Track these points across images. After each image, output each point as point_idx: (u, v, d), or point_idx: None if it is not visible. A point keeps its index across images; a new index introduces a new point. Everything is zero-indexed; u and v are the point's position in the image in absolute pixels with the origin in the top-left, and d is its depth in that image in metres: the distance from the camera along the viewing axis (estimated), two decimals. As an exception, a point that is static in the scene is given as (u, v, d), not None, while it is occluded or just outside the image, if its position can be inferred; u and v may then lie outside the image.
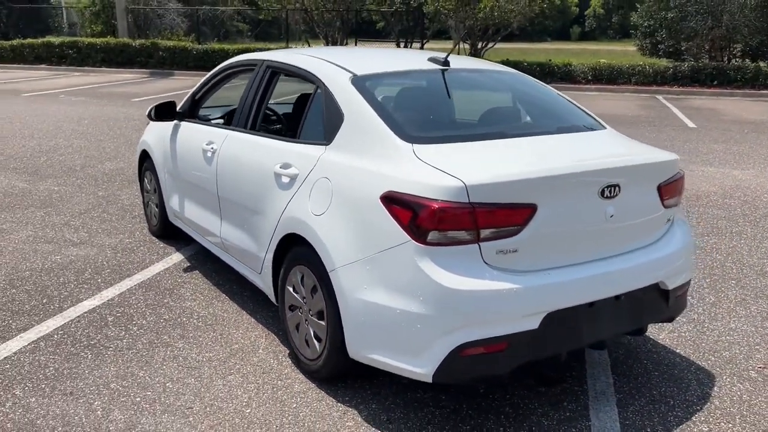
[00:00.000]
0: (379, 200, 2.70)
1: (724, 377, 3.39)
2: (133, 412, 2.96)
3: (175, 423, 2.89)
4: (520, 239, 2.63)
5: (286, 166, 3.35)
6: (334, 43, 20.94)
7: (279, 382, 3.25)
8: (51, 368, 3.33)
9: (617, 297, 2.89)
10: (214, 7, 22.39)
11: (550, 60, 19.21)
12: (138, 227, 5.70)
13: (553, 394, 3.20)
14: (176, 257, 4.99)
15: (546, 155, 2.93)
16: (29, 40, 22.22)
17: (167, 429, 2.85)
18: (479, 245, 2.58)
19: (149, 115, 4.67)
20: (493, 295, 2.56)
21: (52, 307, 4.05)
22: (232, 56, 19.37)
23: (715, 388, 3.28)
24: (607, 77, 18.66)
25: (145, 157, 5.35)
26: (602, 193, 2.78)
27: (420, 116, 3.25)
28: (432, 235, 2.55)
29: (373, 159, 2.88)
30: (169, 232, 5.24)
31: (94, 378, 3.25)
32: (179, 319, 3.92)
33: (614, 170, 2.83)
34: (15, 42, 22.45)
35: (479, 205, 2.53)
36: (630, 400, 3.16)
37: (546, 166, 2.73)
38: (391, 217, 2.65)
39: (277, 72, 3.86)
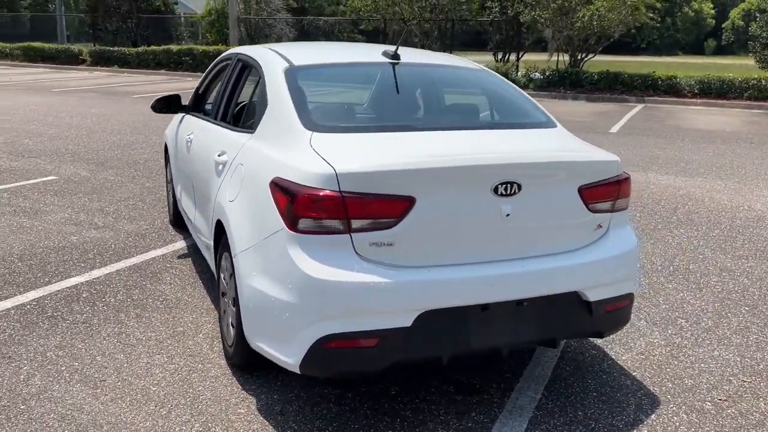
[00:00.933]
0: (268, 186, 2.70)
1: (671, 406, 3.06)
2: (51, 380, 3.12)
3: (82, 392, 3.02)
4: (395, 232, 2.52)
5: (221, 153, 3.42)
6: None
7: (199, 365, 3.30)
8: (6, 333, 3.58)
9: (519, 302, 2.69)
10: (317, 17, 23.20)
11: (653, 72, 18.16)
12: (161, 216, 6.00)
13: (467, 403, 3.02)
14: (179, 245, 5.20)
15: (442, 148, 2.78)
16: (152, 48, 24.03)
17: (72, 397, 2.98)
18: (351, 236, 2.50)
19: (152, 107, 4.92)
20: (361, 288, 2.47)
21: (41, 281, 4.36)
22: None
23: (653, 416, 2.97)
24: (716, 91, 17.38)
25: (166, 149, 5.64)
26: (496, 190, 2.60)
27: (335, 106, 3.21)
28: (302, 223, 2.51)
29: (277, 146, 2.88)
30: (181, 221, 5.47)
31: (36, 345, 3.46)
32: (145, 301, 4.08)
33: (509, 166, 2.64)
34: (140, 49, 24.37)
35: (350, 194, 2.46)
36: (546, 419, 2.92)
37: (427, 159, 2.59)
38: (274, 203, 2.63)
39: (243, 64, 3.95)
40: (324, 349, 2.49)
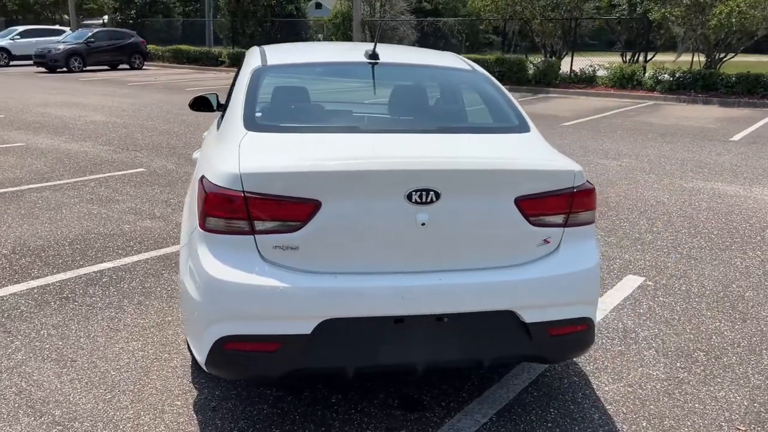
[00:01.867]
0: (197, 183, 2.73)
1: (632, 447, 2.72)
2: (31, 356, 3.37)
3: (50, 371, 3.23)
4: (300, 236, 2.45)
5: (197, 151, 3.51)
6: (553, 55, 20.21)
7: (165, 355, 3.41)
8: (18, 310, 3.92)
9: (439, 318, 2.52)
10: (437, 19, 23.13)
11: (802, 74, 16.24)
12: (215, 210, 6.26)
13: (403, 419, 2.88)
14: (216, 238, 5.41)
15: (364, 151, 2.65)
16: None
17: (39, 374, 3.19)
18: (255, 237, 2.46)
19: (189, 105, 5.15)
20: (261, 291, 2.42)
21: (74, 264, 4.71)
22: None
23: (603, 457, 2.66)
24: None
25: None
26: (410, 197, 2.44)
27: (285, 107, 3.16)
28: (209, 222, 2.51)
29: (220, 144, 2.90)
30: None
31: (36, 323, 3.75)
32: (153, 289, 4.29)
33: (425, 173, 2.46)
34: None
35: (253, 194, 2.42)
36: (478, 445, 2.72)
37: (334, 162, 2.48)
38: (197, 201, 2.66)
39: (242, 63, 4.02)
40: (223, 350, 2.48)
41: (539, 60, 19.53)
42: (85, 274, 4.52)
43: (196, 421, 2.84)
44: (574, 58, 19.45)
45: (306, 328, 2.43)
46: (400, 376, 3.17)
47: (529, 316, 2.59)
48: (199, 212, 2.56)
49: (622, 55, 20.39)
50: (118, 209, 6.20)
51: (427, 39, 23.67)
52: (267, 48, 3.73)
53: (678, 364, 3.45)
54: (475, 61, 19.95)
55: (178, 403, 2.98)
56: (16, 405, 2.93)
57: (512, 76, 19.12)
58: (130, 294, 4.19)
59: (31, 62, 25.89)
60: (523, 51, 22.29)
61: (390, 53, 3.57)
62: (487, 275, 2.57)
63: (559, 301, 2.65)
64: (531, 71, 19.13)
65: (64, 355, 3.39)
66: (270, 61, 3.38)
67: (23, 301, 4.04)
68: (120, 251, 5.01)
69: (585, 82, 18.75)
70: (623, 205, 6.68)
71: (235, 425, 2.81)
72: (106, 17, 36.36)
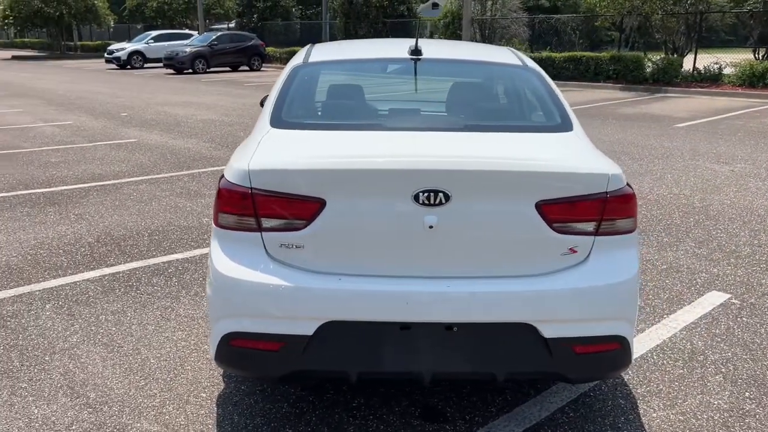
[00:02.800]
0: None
1: (667, 483, 2.44)
2: (84, 340, 3.56)
3: (97, 355, 3.39)
4: (305, 235, 2.39)
5: None
6: (675, 53, 18.91)
7: (205, 347, 3.48)
8: (86, 295, 4.15)
9: (449, 327, 2.38)
10: (548, 16, 22.22)
11: None
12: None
13: (423, 430, 2.75)
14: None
15: (376, 149, 2.54)
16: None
17: (88, 357, 3.36)
18: (262, 235, 2.44)
19: (260, 104, 5.24)
20: (265, 290, 2.39)
21: (147, 254, 4.94)
22: (559, 64, 19.20)
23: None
24: None
25: None
26: (417, 198, 2.32)
27: (316, 104, 3.10)
28: (221, 218, 2.51)
29: (248, 141, 2.90)
30: None
31: (98, 309, 3.95)
32: (212, 281, 4.41)
33: (433, 173, 2.31)
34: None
35: (260, 191, 2.40)
36: (494, 465, 2.54)
37: (339, 159, 2.40)
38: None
39: None
40: (229, 346, 2.48)
41: (658, 57, 18.36)
42: (154, 264, 4.72)
43: (215, 415, 2.87)
44: (699, 55, 18.11)
45: (308, 329, 2.37)
46: (429, 385, 3.04)
47: (549, 331, 2.39)
48: (214, 208, 2.57)
49: (754, 52, 18.76)
50: (203, 203, 6.46)
51: (539, 37, 22.96)
52: (317, 45, 3.72)
53: (747, 394, 3.07)
54: (586, 59, 19.04)
55: (204, 395, 3.02)
56: (58, 385, 3.10)
57: (628, 75, 18.13)
58: (189, 285, 4.33)
59: (162, 64, 27.80)
60: (642, 48, 21.06)
61: (436, 49, 3.45)
62: (503, 284, 2.39)
63: (587, 316, 2.42)
64: (649, 69, 18.04)
65: (114, 340, 3.55)
66: (312, 59, 3.36)
67: (92, 287, 4.28)
68: (192, 243, 5.20)
69: (709, 80, 17.42)
70: (725, 213, 6.11)
71: (251, 421, 2.81)
72: (233, 22, 38.28)
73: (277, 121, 2.83)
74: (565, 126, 2.85)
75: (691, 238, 5.40)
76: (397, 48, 3.46)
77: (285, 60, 30.12)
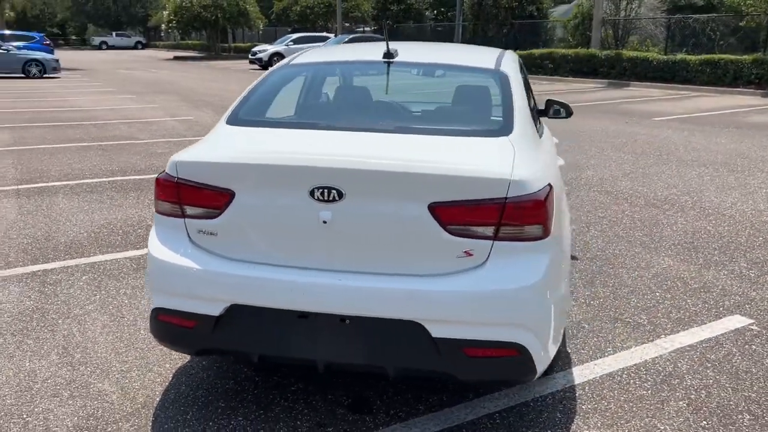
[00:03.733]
0: None
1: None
2: (99, 307, 4.00)
3: (100, 321, 3.80)
4: (218, 223, 2.59)
5: None
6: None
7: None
8: (119, 270, 4.64)
9: (342, 319, 2.47)
10: (686, 16, 20.56)
11: None
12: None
13: (341, 419, 2.86)
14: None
15: (287, 147, 2.70)
16: (517, 52, 24.99)
17: (92, 322, 3.78)
18: (185, 221, 2.67)
19: None
20: (182, 271, 2.62)
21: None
22: (694, 68, 17.94)
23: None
24: None
25: None
26: (312, 194, 2.43)
27: (276, 103, 3.26)
28: (157, 204, 2.77)
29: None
30: None
31: (122, 283, 4.41)
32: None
33: (327, 171, 2.42)
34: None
35: (183, 181, 2.63)
36: (389, 458, 2.59)
37: (245, 154, 2.56)
38: None
39: None
40: (157, 321, 2.73)
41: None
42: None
43: (166, 383, 3.15)
44: None
45: (216, 310, 2.57)
46: (379, 377, 3.11)
47: (438, 331, 2.41)
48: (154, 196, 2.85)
49: None
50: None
51: (674, 38, 21.54)
52: (309, 50, 3.91)
53: (703, 423, 2.86)
54: (724, 62, 17.57)
55: (167, 366, 3.32)
56: (56, 344, 3.54)
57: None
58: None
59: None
60: (792, 51, 19.09)
61: (413, 53, 3.51)
62: (394, 281, 2.45)
63: (479, 320, 2.42)
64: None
65: (120, 310, 3.96)
66: (295, 61, 3.55)
67: (129, 264, 4.77)
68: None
69: None
70: (800, 234, 5.54)
71: (194, 393, 3.06)
72: (367, 26, 39.46)
73: (233, 119, 3.05)
74: (503, 131, 2.82)
75: (747, 259, 4.97)
76: (380, 52, 3.56)
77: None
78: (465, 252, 2.44)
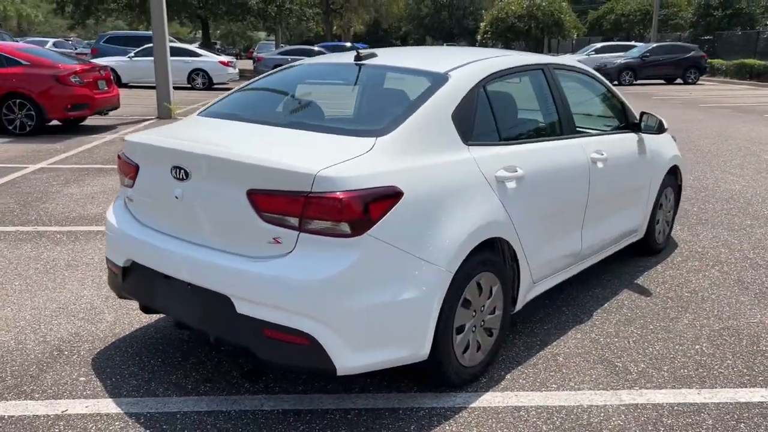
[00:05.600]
0: None
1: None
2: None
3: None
4: (132, 192, 3.13)
5: None
6: None
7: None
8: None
9: (188, 284, 2.82)
10: None
11: None
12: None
13: (227, 379, 3.17)
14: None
15: (190, 132, 3.13)
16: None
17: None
18: (123, 189, 3.27)
19: None
20: (111, 228, 3.22)
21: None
22: None
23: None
24: None
25: None
26: (171, 172, 2.81)
27: (241, 99, 3.59)
28: (119, 177, 3.42)
29: None
30: None
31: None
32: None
33: (178, 153, 2.80)
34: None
35: (122, 155, 3.23)
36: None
37: (144, 135, 3.01)
38: None
39: None
40: (108, 269, 3.39)
41: None
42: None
43: (111, 319, 3.79)
44: None
45: (122, 262, 3.13)
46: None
47: (242, 308, 2.62)
48: None
49: None
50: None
51: None
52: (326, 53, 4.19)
53: None
54: None
55: (115, 304, 3.99)
56: (55, 286, 4.46)
57: None
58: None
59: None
60: None
61: (391, 56, 3.58)
62: (219, 257, 2.71)
63: (276, 304, 2.55)
64: None
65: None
66: (296, 63, 3.91)
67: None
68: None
69: None
70: None
71: (131, 346, 3.54)
72: (681, 34, 35.99)
73: (202, 111, 3.56)
74: (380, 132, 2.82)
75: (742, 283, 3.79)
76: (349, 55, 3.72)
77: (732, 73, 27.15)
78: (274, 239, 2.59)
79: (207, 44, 33.40)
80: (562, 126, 3.79)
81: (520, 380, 3.22)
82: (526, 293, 3.52)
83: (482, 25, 47.66)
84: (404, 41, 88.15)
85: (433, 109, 2.99)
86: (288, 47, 30.24)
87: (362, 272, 2.54)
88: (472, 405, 2.99)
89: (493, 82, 3.39)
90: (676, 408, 2.99)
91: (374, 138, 2.79)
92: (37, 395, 3.01)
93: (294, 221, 2.54)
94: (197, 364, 3.34)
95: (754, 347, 3.60)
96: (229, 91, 3.73)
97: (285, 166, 2.56)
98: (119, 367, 3.29)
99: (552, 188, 3.50)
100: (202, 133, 3.14)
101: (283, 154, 2.68)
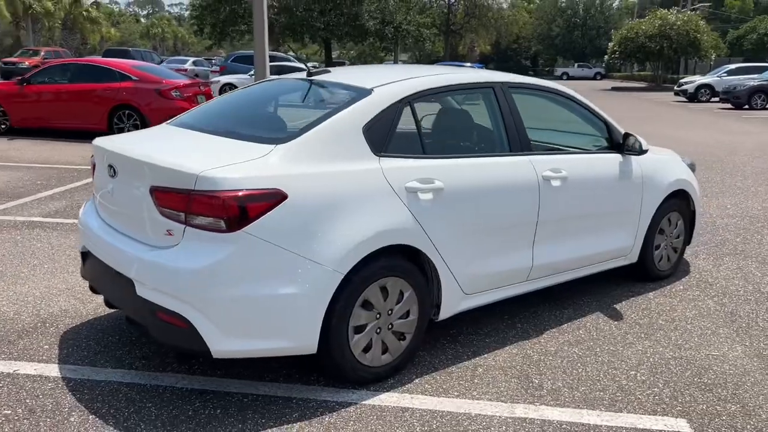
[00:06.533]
0: None
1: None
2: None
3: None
4: (94, 187, 3.60)
5: None
6: None
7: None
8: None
9: (113, 269, 3.21)
10: None
11: None
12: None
13: (163, 359, 3.53)
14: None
15: (162, 143, 3.49)
16: None
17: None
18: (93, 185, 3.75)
19: None
20: (80, 218, 3.68)
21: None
22: None
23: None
24: None
25: None
26: (107, 170, 3.23)
27: (204, 109, 3.94)
28: (95, 177, 3.90)
29: None
30: None
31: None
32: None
33: (108, 152, 3.24)
34: None
35: (93, 159, 3.72)
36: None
37: (102, 140, 3.45)
38: None
39: None
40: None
41: None
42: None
43: (100, 300, 4.21)
44: None
45: (80, 249, 3.60)
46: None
47: (141, 291, 2.97)
48: None
49: None
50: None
51: None
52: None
53: None
54: None
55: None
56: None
57: None
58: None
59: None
60: None
61: (341, 74, 3.83)
62: (129, 245, 3.10)
63: (162, 289, 2.88)
64: None
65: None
66: (265, 79, 4.27)
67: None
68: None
69: None
70: None
71: (101, 324, 3.99)
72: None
73: (171, 121, 3.96)
74: (283, 139, 3.08)
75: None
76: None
77: None
78: (167, 231, 2.92)
79: (329, 64, 35.03)
80: (510, 143, 3.83)
81: (426, 385, 3.32)
82: (456, 304, 3.59)
83: (610, 45, 46.10)
84: (534, 61, 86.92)
85: (342, 121, 3.20)
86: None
87: (235, 265, 2.81)
88: (364, 402, 3.14)
89: (422, 98, 3.54)
90: (564, 425, 2.97)
91: (274, 145, 3.05)
92: (3, 356, 3.53)
93: (182, 216, 2.86)
94: (146, 344, 3.73)
95: (695, 379, 3.44)
96: (201, 104, 4.14)
97: (176, 166, 2.89)
98: (82, 340, 3.76)
99: (483, 203, 3.56)
100: (147, 138, 3.56)
101: (184, 157, 3.02)
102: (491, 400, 3.18)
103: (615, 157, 4.43)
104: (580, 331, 4.02)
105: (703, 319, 4.26)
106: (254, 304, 2.87)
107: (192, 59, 37.86)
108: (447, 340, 3.83)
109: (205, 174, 2.80)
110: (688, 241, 5.21)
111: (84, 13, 46.58)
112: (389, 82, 3.52)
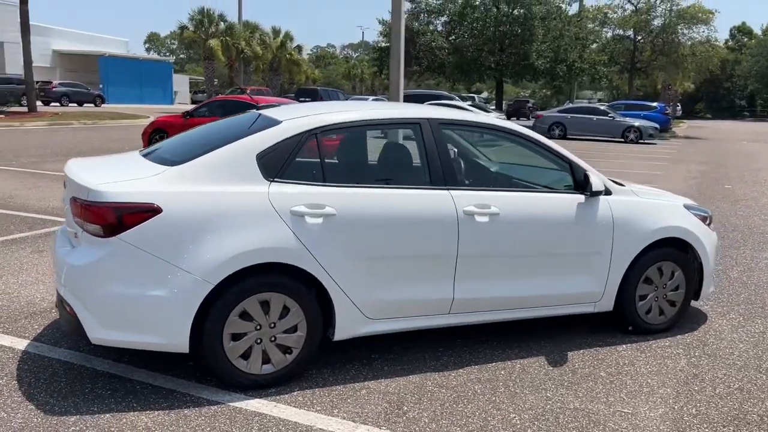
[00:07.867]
0: None
1: None
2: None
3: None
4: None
5: None
6: None
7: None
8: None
9: (62, 267, 3.87)
10: None
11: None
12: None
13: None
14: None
15: (104, 165, 4.06)
16: None
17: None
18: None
19: None
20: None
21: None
22: None
23: None
24: None
25: None
26: (64, 185, 3.91)
27: (177, 140, 4.42)
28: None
29: None
30: None
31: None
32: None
33: (66, 170, 3.83)
34: None
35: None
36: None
37: (70, 161, 4.09)
38: None
39: None
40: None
41: None
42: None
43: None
44: None
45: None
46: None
47: (59, 286, 3.56)
48: None
49: None
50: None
51: None
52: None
53: None
54: None
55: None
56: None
57: None
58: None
59: None
60: None
61: (281, 110, 4.21)
62: (64, 245, 3.70)
63: (64, 283, 3.45)
64: None
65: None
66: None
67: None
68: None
69: None
70: None
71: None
72: None
73: (147, 152, 4.56)
74: (178, 162, 3.55)
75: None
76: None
77: None
78: (74, 234, 3.51)
79: (499, 103, 35.22)
80: (431, 177, 3.91)
81: (300, 398, 3.51)
82: (356, 326, 3.74)
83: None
84: (751, 101, 78.95)
85: (237, 148, 3.58)
86: (569, 106, 30.16)
87: (110, 266, 3.29)
88: (230, 403, 3.42)
89: (330, 132, 3.81)
90: (386, 451, 3.02)
91: (168, 167, 3.52)
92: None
93: (81, 222, 3.42)
94: (108, 334, 4.35)
95: (568, 427, 3.25)
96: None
97: (82, 181, 3.47)
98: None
99: (383, 231, 3.69)
100: (100, 161, 4.19)
101: (95, 175, 3.56)
102: (343, 419, 3.30)
103: (574, 197, 4.27)
104: (502, 371, 3.92)
105: (653, 376, 3.92)
106: (126, 301, 3.32)
107: (372, 97, 40.36)
108: (356, 361, 3.97)
109: (95, 188, 3.34)
110: (694, 296, 4.76)
111: (287, 56, 51.52)
112: (302, 116, 3.84)
